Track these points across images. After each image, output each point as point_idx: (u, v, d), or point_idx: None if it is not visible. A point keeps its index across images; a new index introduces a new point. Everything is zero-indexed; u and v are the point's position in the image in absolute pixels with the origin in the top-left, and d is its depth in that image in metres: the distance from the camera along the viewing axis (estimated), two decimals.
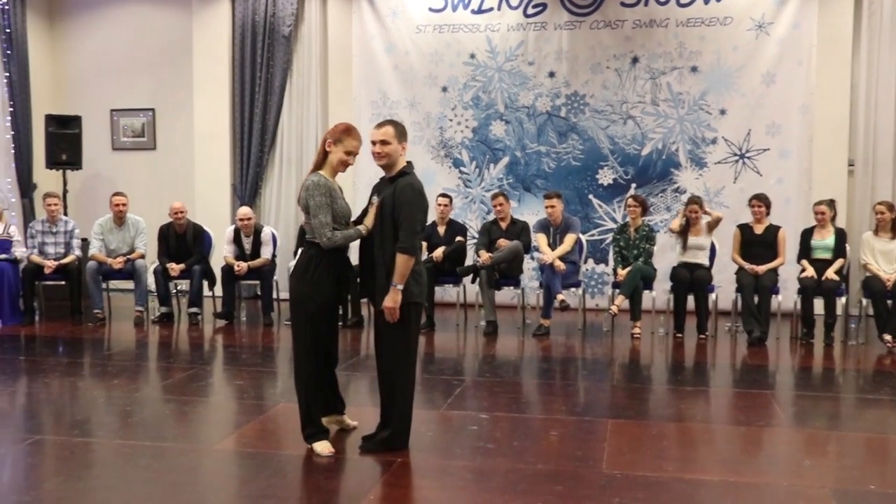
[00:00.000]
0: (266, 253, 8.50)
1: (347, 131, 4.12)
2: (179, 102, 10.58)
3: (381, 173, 4.25)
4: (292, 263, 8.37)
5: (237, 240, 8.52)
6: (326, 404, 4.39)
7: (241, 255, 8.52)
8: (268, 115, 10.21)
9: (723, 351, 7.42)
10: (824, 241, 7.68)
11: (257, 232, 8.52)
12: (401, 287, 4.00)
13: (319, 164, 4.17)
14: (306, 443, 4.23)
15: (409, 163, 4.19)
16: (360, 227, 4.13)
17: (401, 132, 4.12)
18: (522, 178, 9.78)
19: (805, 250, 7.75)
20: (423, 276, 4.16)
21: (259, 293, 9.00)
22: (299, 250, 4.74)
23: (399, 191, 4.02)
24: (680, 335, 7.81)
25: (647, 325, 8.12)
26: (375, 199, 4.14)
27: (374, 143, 4.09)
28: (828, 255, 7.66)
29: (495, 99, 9.79)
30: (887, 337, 7.29)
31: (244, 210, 8.62)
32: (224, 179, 10.31)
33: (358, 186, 9.41)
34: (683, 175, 9.43)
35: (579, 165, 9.64)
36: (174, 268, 8.34)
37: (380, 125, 4.12)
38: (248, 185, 10.14)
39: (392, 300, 4.01)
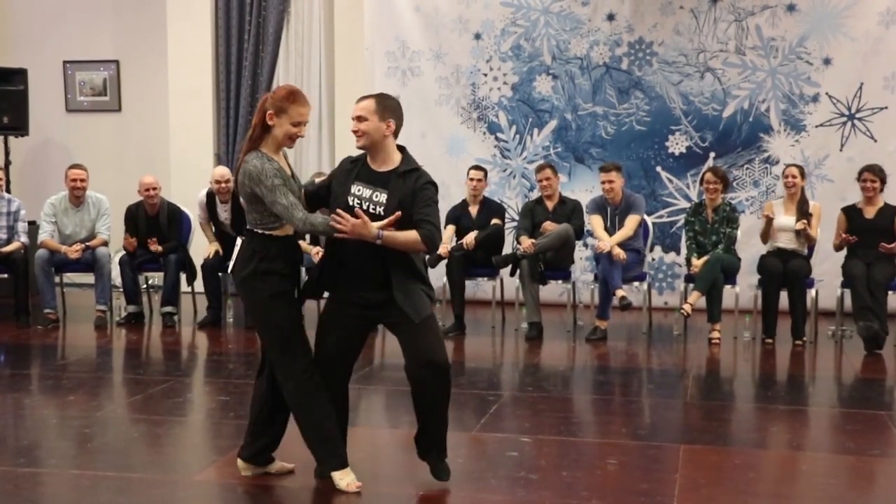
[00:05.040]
0: None
1: (291, 97, 4.07)
2: (150, 53, 10.62)
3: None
4: None
5: (211, 207, 8.54)
6: (264, 444, 4.35)
7: (216, 227, 8.56)
8: (259, 69, 10.22)
9: (825, 360, 7.35)
10: None
11: (236, 198, 8.52)
12: (381, 240, 3.94)
13: (258, 140, 4.11)
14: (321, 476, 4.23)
15: (402, 147, 4.19)
16: (328, 219, 4.03)
17: (385, 107, 4.10)
18: (574, 147, 9.72)
19: None
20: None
21: None
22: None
23: (420, 187, 4.06)
24: (770, 341, 7.74)
25: (729, 329, 8.07)
26: (380, 198, 4.08)
27: (353, 118, 4.13)
28: None
29: (540, 48, 9.73)
30: None
31: (221, 170, 8.57)
32: (206, 148, 10.35)
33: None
34: (776, 141, 9.32)
35: (644, 130, 9.56)
36: (136, 242, 8.37)
37: (361, 98, 4.16)
38: (234, 155, 10.16)
39: (367, 233, 3.92)
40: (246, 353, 7.41)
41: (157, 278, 8.98)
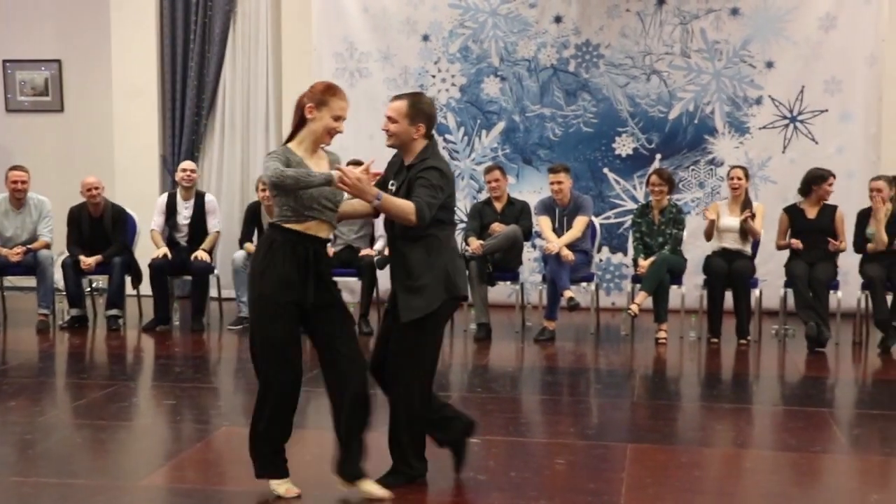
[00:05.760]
0: (214, 225, 8.53)
1: (331, 90, 4.06)
2: (93, 52, 10.50)
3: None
4: (238, 255, 8.39)
5: (171, 210, 8.51)
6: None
7: (173, 229, 8.51)
8: (206, 69, 10.16)
9: (768, 359, 7.46)
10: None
11: (200, 197, 8.51)
12: (377, 203, 3.94)
13: (290, 137, 4.10)
14: (258, 478, 4.17)
15: (430, 145, 4.23)
16: (331, 172, 3.93)
17: (417, 111, 4.15)
18: (522, 148, 9.77)
19: (862, 237, 7.81)
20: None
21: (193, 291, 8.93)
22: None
23: (417, 174, 4.10)
24: (715, 340, 7.84)
25: (675, 328, 8.15)
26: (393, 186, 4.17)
27: (385, 116, 4.21)
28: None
29: (488, 50, 9.77)
30: None
31: (187, 162, 8.75)
32: (151, 149, 10.25)
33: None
34: (720, 143, 9.45)
35: (592, 132, 9.64)
36: (87, 261, 8.27)
37: (395, 97, 4.22)
38: (181, 157, 10.07)
39: (367, 191, 3.91)
40: (193, 357, 7.35)
41: (101, 281, 8.88)
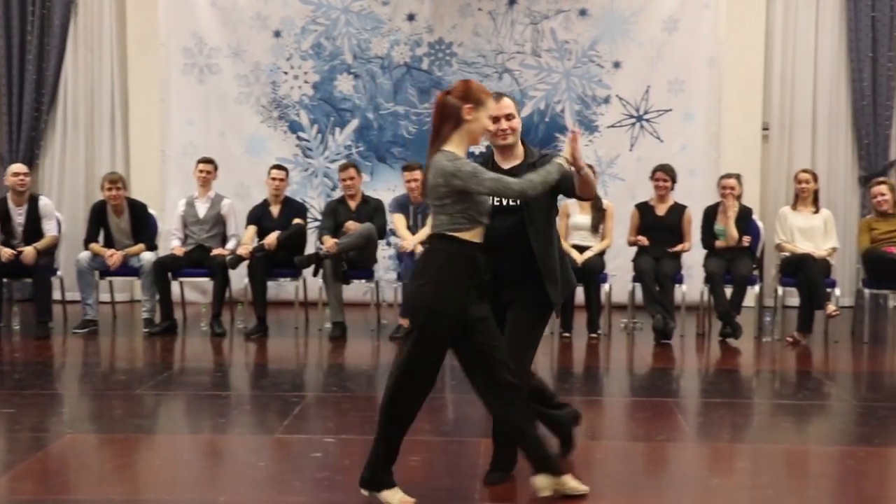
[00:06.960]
0: (51, 228, 8.20)
1: (483, 90, 3.97)
2: None
3: None
4: (83, 256, 8.12)
5: (4, 216, 8.15)
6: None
7: (9, 235, 8.15)
8: (45, 63, 9.80)
9: (618, 352, 7.67)
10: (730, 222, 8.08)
11: (33, 201, 8.19)
12: (585, 171, 4.01)
13: (444, 140, 3.93)
14: (368, 489, 4.07)
15: (522, 139, 4.25)
16: (559, 160, 4.03)
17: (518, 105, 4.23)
18: (376, 146, 9.77)
19: (710, 233, 8.12)
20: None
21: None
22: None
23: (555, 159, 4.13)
24: (567, 334, 8.01)
25: None
26: None
27: (497, 118, 4.09)
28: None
29: (341, 47, 9.74)
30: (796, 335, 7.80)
31: (17, 165, 8.36)
32: None
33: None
34: None
35: None
36: None
37: (498, 96, 4.15)
38: (19, 154, 9.71)
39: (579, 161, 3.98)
40: (35, 362, 7.07)
41: None
